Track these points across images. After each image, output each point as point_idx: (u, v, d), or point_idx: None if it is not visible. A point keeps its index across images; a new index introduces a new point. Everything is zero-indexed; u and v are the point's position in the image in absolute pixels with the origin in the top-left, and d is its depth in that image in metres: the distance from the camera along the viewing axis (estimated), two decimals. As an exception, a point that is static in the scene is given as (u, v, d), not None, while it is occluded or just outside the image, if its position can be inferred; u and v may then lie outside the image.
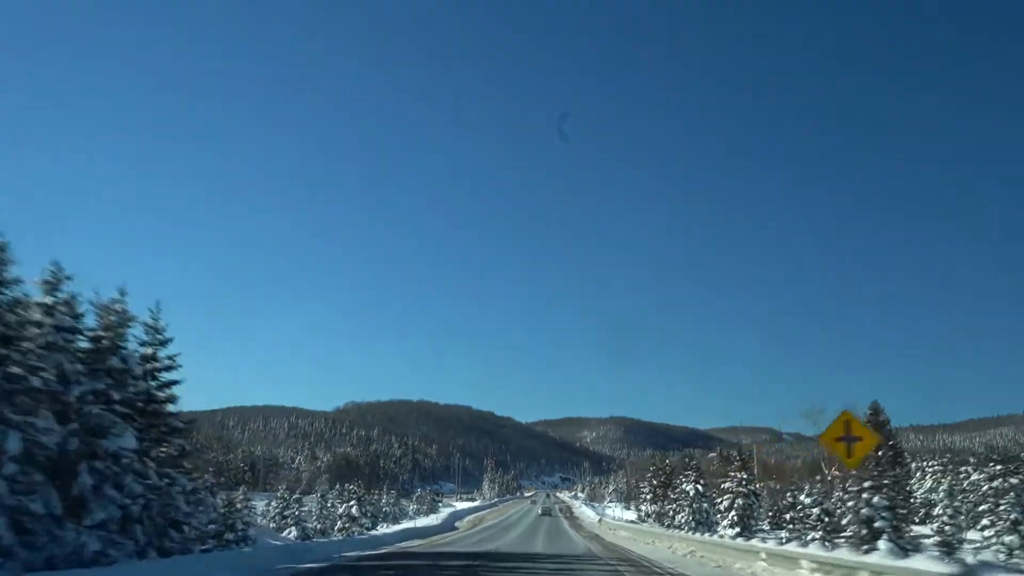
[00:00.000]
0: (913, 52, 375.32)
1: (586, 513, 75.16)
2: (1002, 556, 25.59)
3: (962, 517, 35.37)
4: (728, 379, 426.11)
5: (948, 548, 27.30)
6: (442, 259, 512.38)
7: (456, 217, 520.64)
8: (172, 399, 17.75)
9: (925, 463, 54.10)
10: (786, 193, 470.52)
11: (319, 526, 49.82)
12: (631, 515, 67.23)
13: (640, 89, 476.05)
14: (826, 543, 18.47)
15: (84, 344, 15.18)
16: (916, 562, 11.69)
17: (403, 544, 32.14)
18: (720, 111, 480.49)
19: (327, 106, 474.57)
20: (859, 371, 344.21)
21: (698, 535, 31.26)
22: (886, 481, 20.86)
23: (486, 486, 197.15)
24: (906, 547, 16.68)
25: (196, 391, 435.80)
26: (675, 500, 44.78)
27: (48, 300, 13.96)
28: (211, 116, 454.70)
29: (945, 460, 55.66)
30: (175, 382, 17.88)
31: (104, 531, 13.74)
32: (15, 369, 12.34)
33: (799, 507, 36.72)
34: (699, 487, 41.71)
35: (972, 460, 50.21)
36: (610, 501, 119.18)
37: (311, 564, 19.33)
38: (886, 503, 18.90)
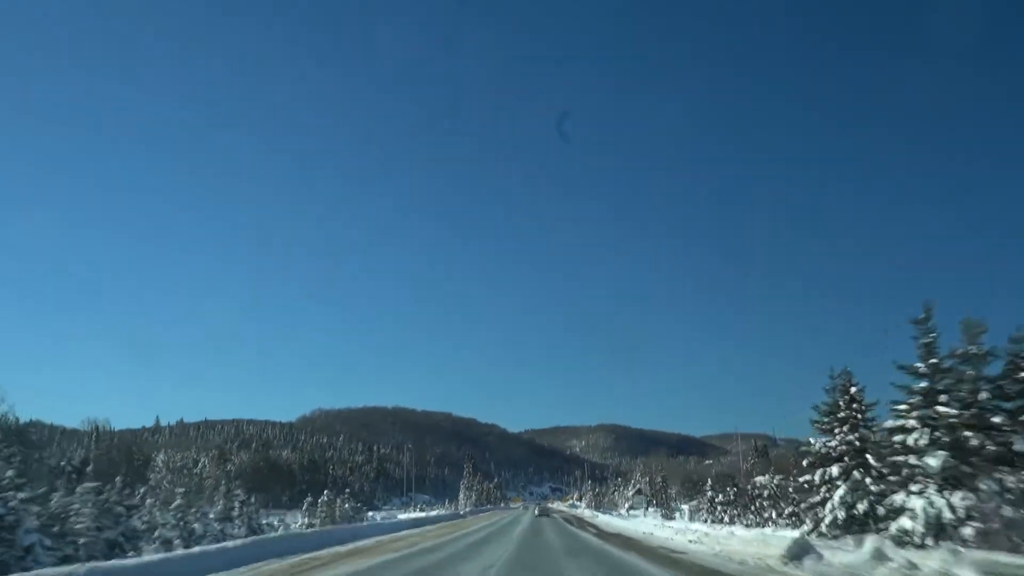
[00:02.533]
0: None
1: (633, 527, 38.69)
2: None
3: None
4: (720, 385, 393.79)
5: None
6: (422, 261, 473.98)
7: (434, 219, 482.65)
8: None
9: None
10: (784, 197, 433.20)
11: None
12: (724, 528, 29.86)
13: (632, 97, 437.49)
14: None
15: None
16: None
17: None
18: (721, 113, 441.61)
19: (299, 106, 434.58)
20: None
21: None
22: None
23: (462, 495, 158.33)
24: None
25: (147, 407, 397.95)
26: None
27: None
28: (191, 118, 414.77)
29: None
30: None
31: None
32: None
33: None
34: None
35: None
36: (632, 507, 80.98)
37: None
38: None
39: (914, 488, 14.51)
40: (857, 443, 19.86)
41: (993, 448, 13.62)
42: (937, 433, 14.61)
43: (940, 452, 14.02)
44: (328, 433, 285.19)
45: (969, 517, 13.47)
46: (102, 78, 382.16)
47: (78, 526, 23.46)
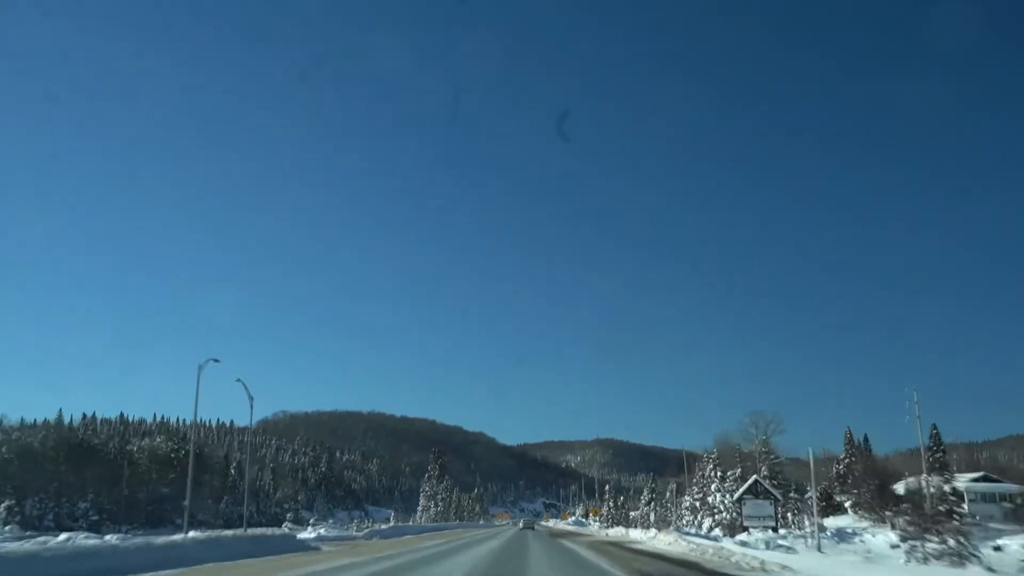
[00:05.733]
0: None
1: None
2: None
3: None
4: (717, 401, 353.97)
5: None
6: (414, 266, 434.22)
7: (421, 222, 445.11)
8: None
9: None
10: (784, 207, 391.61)
11: None
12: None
13: (624, 114, 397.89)
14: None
15: None
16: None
17: None
18: (710, 130, 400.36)
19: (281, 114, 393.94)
20: (846, 394, 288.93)
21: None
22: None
23: (421, 506, 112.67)
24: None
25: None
26: None
27: None
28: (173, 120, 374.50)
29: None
30: None
31: None
32: None
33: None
34: None
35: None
36: (744, 523, 34.87)
37: None
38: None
39: None
40: None
41: None
42: None
43: None
44: (289, 437, 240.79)
45: None
46: (103, 78, 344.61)
47: None
